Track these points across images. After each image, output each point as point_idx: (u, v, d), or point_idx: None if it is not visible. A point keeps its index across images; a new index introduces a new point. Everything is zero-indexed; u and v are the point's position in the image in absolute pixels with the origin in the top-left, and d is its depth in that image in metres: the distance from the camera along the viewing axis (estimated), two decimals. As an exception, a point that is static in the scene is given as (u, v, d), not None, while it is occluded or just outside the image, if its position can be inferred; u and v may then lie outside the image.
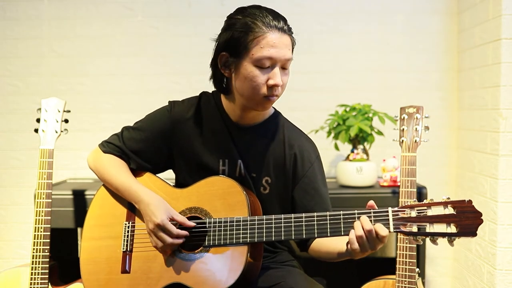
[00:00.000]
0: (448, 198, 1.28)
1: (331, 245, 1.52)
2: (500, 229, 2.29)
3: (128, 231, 1.59)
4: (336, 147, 2.52)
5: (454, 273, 2.81)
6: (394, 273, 1.87)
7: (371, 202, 1.36)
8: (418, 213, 1.29)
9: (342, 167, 2.42)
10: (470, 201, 1.26)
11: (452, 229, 1.26)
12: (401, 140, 1.89)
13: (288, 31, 1.50)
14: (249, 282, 1.52)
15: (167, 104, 1.70)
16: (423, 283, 2.20)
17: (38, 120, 2.06)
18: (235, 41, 1.49)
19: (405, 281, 1.82)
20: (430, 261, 2.79)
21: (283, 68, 1.51)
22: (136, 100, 2.84)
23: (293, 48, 1.54)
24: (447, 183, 2.80)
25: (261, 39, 1.45)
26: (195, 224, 1.50)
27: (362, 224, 1.31)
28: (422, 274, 2.29)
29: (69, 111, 2.10)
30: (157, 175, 1.69)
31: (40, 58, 2.85)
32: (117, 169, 1.64)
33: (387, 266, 2.11)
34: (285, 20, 1.51)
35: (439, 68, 2.79)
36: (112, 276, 1.56)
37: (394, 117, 1.99)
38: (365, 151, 2.44)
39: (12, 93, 2.87)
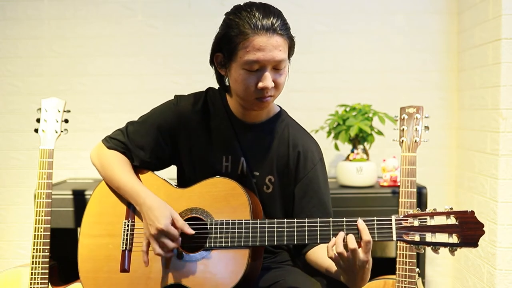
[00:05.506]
0: (451, 208, 1.29)
1: (321, 257, 1.52)
2: (500, 229, 2.29)
3: (127, 230, 1.58)
4: (336, 147, 2.51)
5: (454, 273, 2.81)
6: (394, 273, 1.87)
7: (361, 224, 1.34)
8: (420, 222, 1.30)
9: (342, 167, 2.42)
10: (472, 212, 1.27)
11: (454, 239, 1.27)
12: (401, 140, 1.89)
13: (281, 30, 1.42)
14: (250, 283, 1.52)
15: (173, 98, 1.68)
16: (423, 283, 2.20)
17: (38, 120, 2.06)
18: (225, 43, 1.47)
19: (405, 281, 1.83)
20: (430, 261, 2.79)
21: (276, 68, 1.46)
22: (136, 100, 2.84)
23: (290, 46, 1.49)
24: (447, 183, 2.80)
25: (247, 42, 1.41)
26: (193, 232, 1.48)
27: (347, 243, 1.31)
28: (422, 274, 2.29)
29: (69, 111, 2.10)
30: (158, 175, 1.67)
31: (40, 58, 2.85)
32: (120, 168, 1.61)
33: (387, 266, 2.11)
34: (278, 18, 1.43)
35: (439, 68, 2.78)
36: (111, 274, 1.55)
37: (394, 117, 1.99)
38: (365, 151, 2.44)
39: (12, 93, 2.87)
